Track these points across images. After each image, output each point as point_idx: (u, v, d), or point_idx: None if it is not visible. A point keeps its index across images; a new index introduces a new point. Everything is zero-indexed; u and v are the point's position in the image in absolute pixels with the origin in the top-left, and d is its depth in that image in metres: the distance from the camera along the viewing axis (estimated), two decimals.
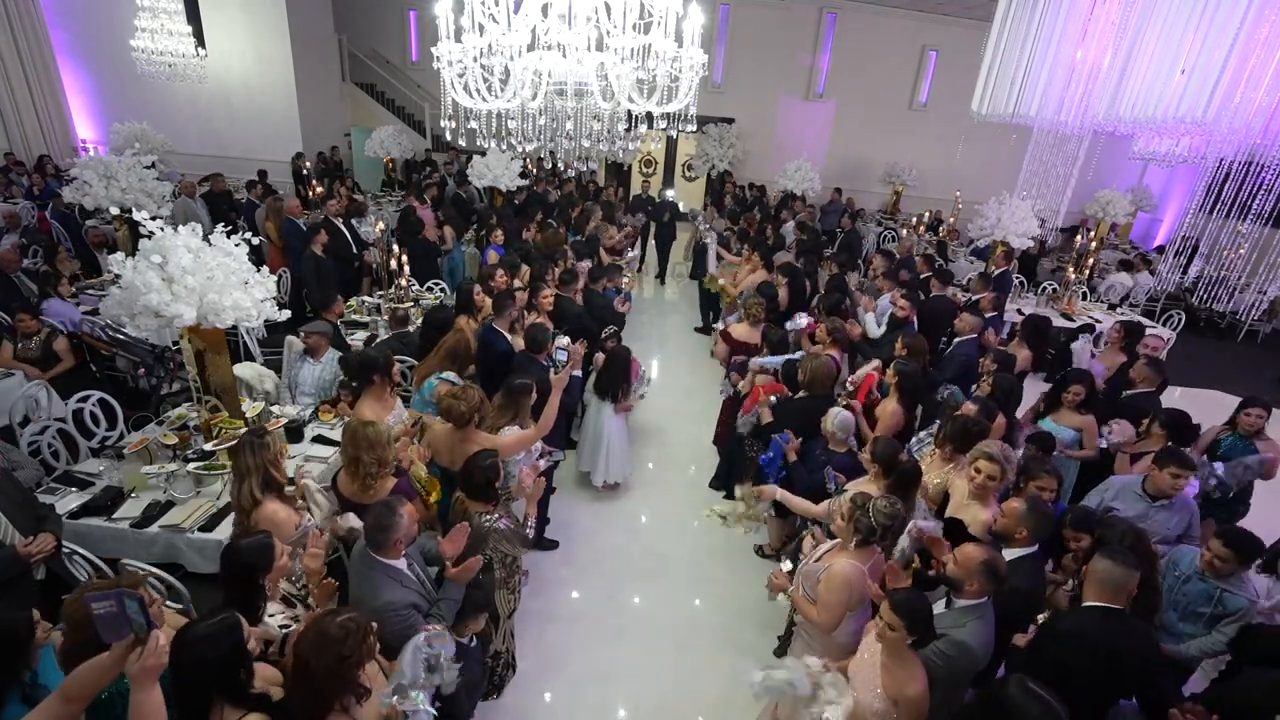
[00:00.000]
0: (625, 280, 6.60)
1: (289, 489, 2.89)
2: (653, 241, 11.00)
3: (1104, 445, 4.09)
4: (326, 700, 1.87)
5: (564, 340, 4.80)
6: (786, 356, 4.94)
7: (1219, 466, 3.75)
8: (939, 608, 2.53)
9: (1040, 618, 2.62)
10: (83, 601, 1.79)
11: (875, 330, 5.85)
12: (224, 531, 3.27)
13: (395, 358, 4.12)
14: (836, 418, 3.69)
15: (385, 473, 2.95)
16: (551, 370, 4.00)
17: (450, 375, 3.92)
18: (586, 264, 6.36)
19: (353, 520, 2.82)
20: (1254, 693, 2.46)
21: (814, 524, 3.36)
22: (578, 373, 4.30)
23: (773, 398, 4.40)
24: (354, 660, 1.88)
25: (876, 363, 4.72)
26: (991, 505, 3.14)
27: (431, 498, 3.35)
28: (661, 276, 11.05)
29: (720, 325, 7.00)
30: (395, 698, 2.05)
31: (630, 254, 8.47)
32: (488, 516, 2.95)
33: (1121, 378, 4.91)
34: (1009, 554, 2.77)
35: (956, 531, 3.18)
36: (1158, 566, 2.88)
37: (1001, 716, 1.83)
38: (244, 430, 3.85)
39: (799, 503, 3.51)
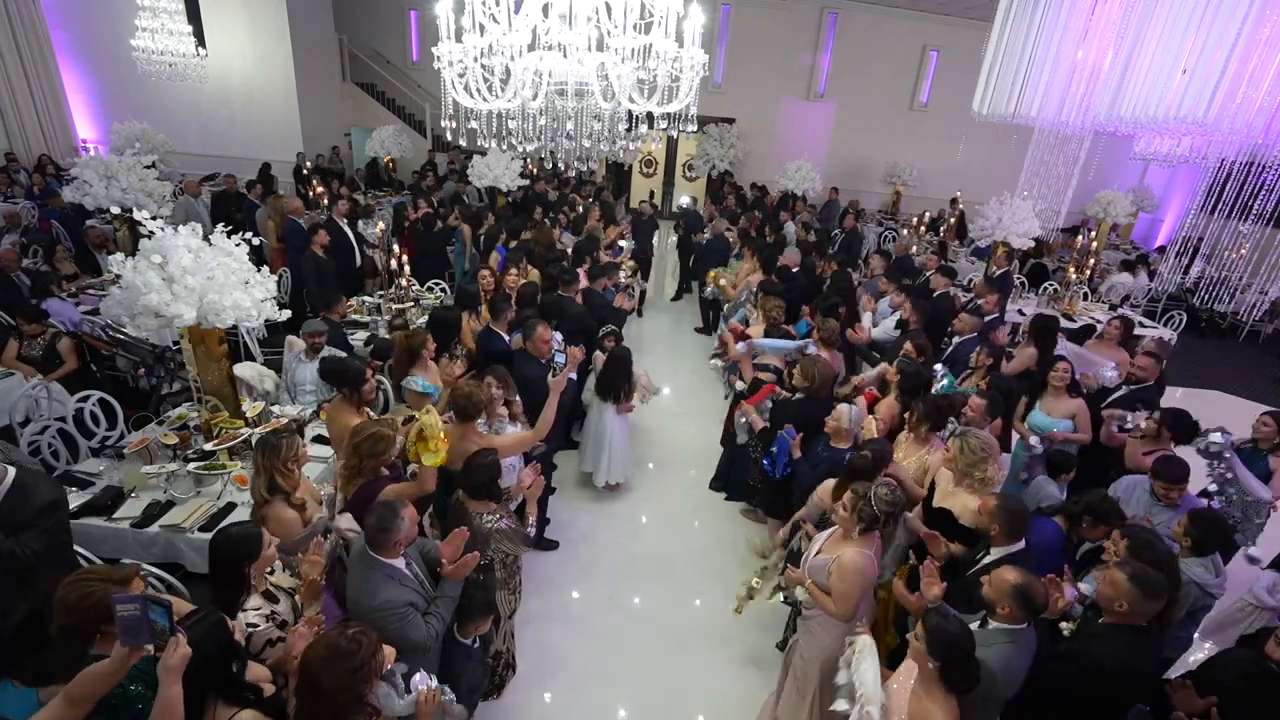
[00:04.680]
0: (623, 276, 6.60)
1: (297, 495, 2.86)
2: (675, 253, 10.40)
3: (1127, 427, 4.06)
4: (339, 713, 1.84)
5: (558, 336, 4.78)
6: (785, 343, 4.96)
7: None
8: (973, 625, 2.45)
9: (1064, 626, 2.57)
10: (111, 600, 1.79)
11: (873, 331, 5.84)
12: None
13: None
14: (851, 411, 3.73)
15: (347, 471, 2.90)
16: (550, 373, 3.99)
17: (419, 379, 3.89)
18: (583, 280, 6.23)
19: (349, 522, 2.81)
20: (1227, 671, 2.50)
21: (805, 524, 3.39)
22: (574, 376, 4.29)
23: (768, 401, 4.41)
24: (365, 673, 1.86)
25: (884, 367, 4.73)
26: (982, 496, 3.12)
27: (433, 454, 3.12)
28: (685, 288, 10.29)
29: (723, 325, 7.00)
30: (424, 686, 2.07)
31: (623, 256, 8.30)
32: (489, 516, 2.94)
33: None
34: (996, 552, 2.79)
35: (944, 521, 3.19)
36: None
37: None
38: (243, 429, 3.86)
39: (821, 596, 3.05)
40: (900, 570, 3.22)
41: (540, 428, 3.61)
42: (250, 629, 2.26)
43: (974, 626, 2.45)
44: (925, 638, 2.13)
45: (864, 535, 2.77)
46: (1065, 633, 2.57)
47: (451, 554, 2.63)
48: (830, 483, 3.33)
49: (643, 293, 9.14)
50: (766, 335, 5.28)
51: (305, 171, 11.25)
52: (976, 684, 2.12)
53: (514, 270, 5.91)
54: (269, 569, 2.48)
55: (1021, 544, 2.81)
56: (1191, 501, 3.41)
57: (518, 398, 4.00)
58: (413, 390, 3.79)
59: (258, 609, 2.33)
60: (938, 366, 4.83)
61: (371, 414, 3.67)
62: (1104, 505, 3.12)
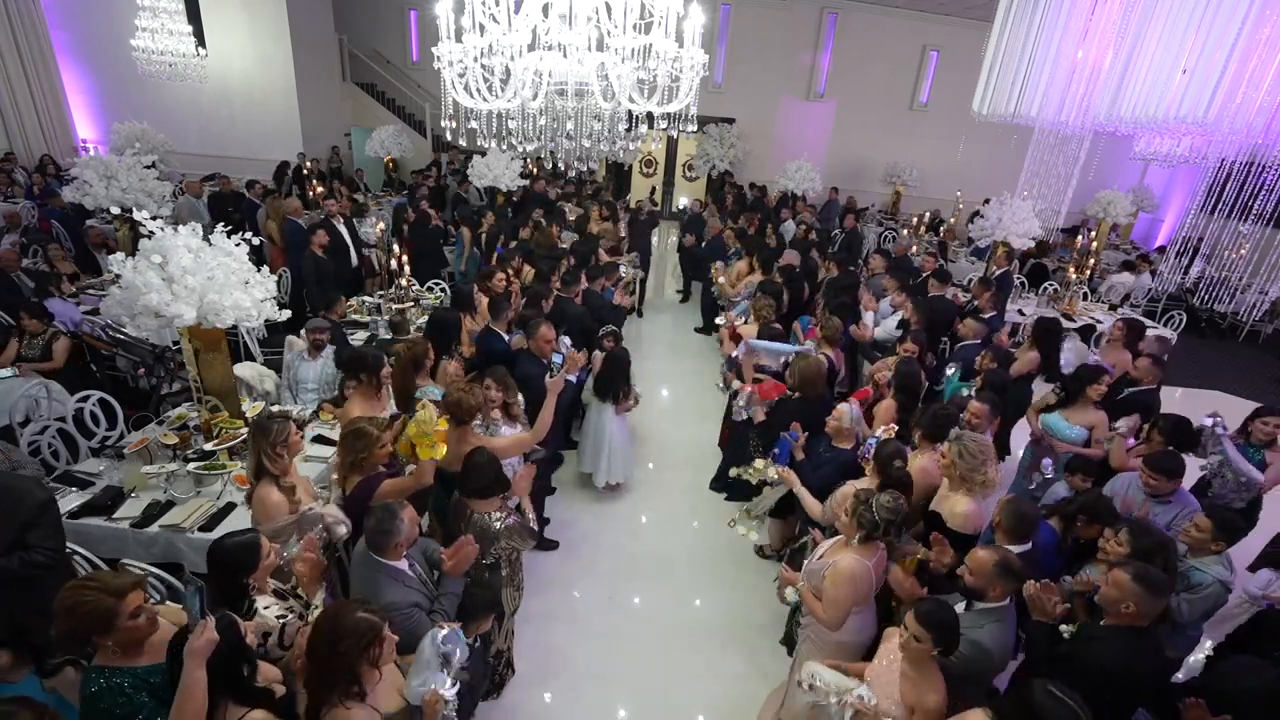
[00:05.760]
0: (623, 272, 6.61)
1: (285, 480, 2.84)
2: (675, 254, 10.37)
3: (1114, 432, 4.05)
4: (324, 683, 1.88)
5: (565, 340, 4.78)
6: (781, 345, 4.95)
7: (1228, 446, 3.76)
8: (958, 608, 2.50)
9: (1064, 629, 2.58)
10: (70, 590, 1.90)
11: (875, 331, 5.85)
12: (224, 531, 3.25)
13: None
14: (852, 410, 3.74)
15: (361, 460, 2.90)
16: (548, 374, 3.97)
17: (432, 389, 3.88)
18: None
19: (334, 511, 2.82)
20: (1245, 678, 2.47)
21: (814, 526, 3.37)
22: (573, 378, 4.27)
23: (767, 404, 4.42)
24: (347, 657, 1.87)
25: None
26: (974, 499, 3.12)
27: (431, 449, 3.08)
28: (688, 290, 10.31)
29: (722, 323, 7.00)
30: (433, 685, 2.07)
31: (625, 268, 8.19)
32: (498, 514, 2.92)
33: (1122, 374, 4.92)
34: None
35: (936, 525, 3.19)
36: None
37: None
38: (243, 429, 3.86)
39: (809, 499, 3.51)
40: (907, 562, 3.20)
41: (538, 429, 3.59)
42: (281, 620, 2.27)
43: (959, 609, 2.49)
44: (928, 636, 2.17)
45: (865, 544, 2.69)
46: (1065, 635, 2.57)
47: (455, 567, 2.63)
48: (849, 489, 3.31)
49: (642, 292, 9.14)
50: (759, 336, 5.28)
51: (305, 172, 11.26)
52: (957, 645, 2.22)
53: (509, 270, 5.89)
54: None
55: (1028, 545, 2.82)
56: (1185, 498, 3.39)
57: (520, 398, 3.99)
58: (431, 400, 3.79)
59: (278, 603, 2.35)
60: (949, 370, 4.83)
61: (391, 404, 3.67)
62: (1099, 505, 3.13)
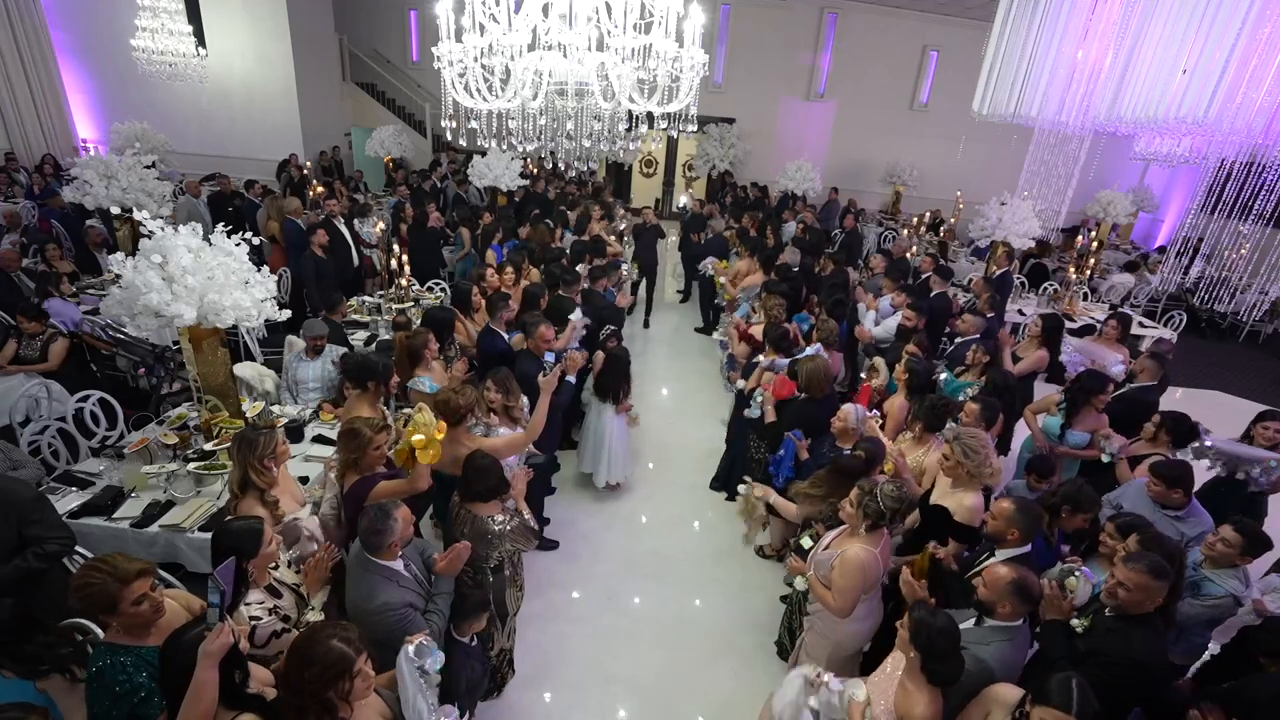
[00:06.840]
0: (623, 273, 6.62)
1: (271, 494, 2.79)
2: (677, 253, 10.31)
3: (1105, 458, 4.04)
4: (290, 708, 1.84)
5: (577, 315, 4.70)
6: (794, 358, 4.94)
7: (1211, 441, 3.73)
8: (969, 623, 2.47)
9: (1075, 623, 2.55)
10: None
11: (875, 329, 5.84)
12: None
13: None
14: (856, 410, 3.75)
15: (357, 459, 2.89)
16: (541, 373, 3.95)
17: (426, 380, 3.86)
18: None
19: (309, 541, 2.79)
20: (1261, 686, 2.45)
21: (817, 522, 3.39)
22: (571, 379, 4.26)
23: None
24: (313, 686, 1.79)
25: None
26: (976, 491, 3.13)
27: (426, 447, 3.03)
28: (688, 290, 10.27)
29: (723, 326, 6.99)
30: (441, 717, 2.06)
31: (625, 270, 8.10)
32: (500, 517, 2.91)
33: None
34: (1001, 554, 2.77)
35: (940, 518, 3.19)
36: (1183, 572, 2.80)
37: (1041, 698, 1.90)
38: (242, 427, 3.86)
39: (786, 506, 3.59)
40: (918, 559, 3.20)
41: (532, 428, 3.57)
42: (254, 622, 2.26)
43: (970, 624, 2.46)
44: (910, 628, 2.18)
45: (871, 533, 2.75)
46: (1079, 629, 2.54)
47: (448, 569, 2.61)
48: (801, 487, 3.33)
49: (649, 303, 9.07)
50: (766, 333, 5.27)
51: (304, 173, 11.26)
52: (957, 679, 2.15)
53: (509, 270, 5.85)
54: (273, 564, 2.47)
55: (1029, 547, 2.82)
56: (1197, 511, 3.33)
57: (524, 400, 3.97)
58: (420, 391, 3.78)
59: (260, 603, 2.33)
60: (939, 369, 4.84)
61: (387, 411, 3.66)
62: (1081, 493, 3.13)
